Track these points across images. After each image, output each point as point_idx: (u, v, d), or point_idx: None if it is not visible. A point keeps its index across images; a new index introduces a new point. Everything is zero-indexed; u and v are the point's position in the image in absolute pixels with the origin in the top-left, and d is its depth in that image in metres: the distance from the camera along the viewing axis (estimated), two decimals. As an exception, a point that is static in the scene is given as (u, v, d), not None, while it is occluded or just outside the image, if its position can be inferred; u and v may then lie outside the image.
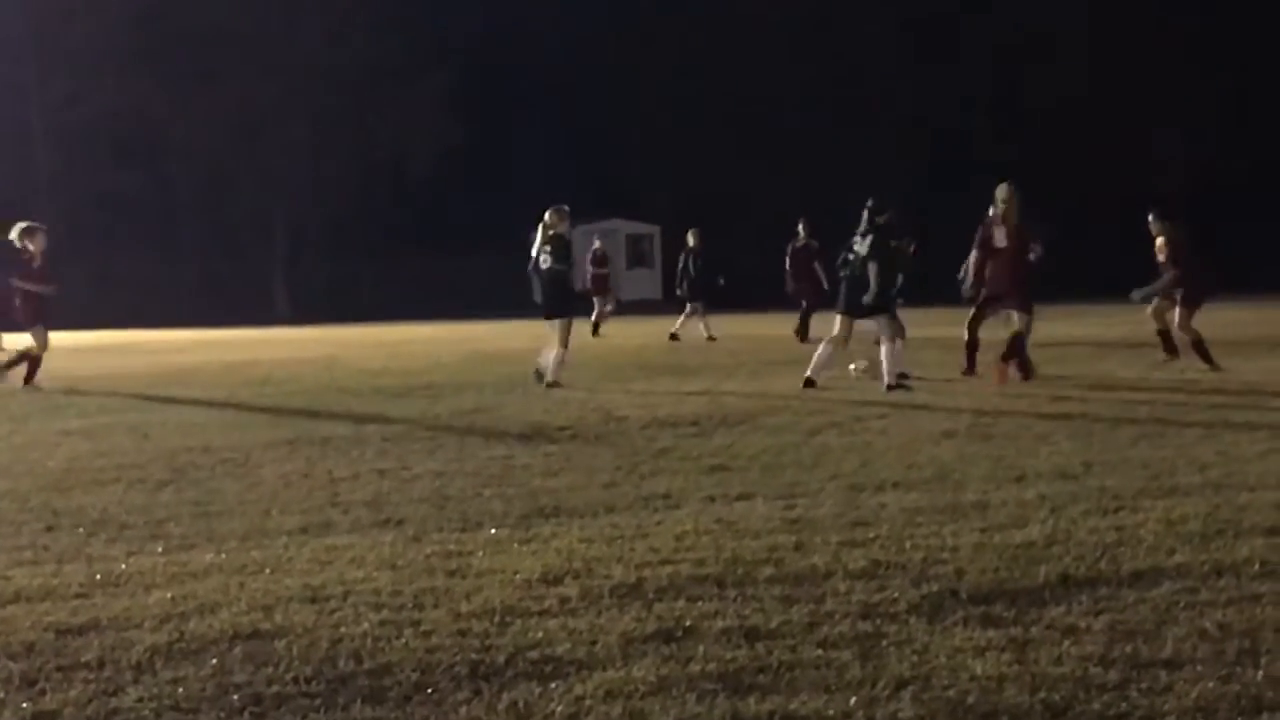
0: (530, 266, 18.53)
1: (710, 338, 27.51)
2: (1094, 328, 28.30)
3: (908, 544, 7.54)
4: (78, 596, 6.72)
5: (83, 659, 5.70)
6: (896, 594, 6.48)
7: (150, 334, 37.72)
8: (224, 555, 7.62)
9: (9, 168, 52.88)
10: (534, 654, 5.67)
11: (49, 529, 8.48)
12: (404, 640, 5.86)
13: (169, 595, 6.64)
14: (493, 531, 8.17)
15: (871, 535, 7.81)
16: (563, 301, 18.53)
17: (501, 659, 5.60)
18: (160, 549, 7.84)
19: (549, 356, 18.02)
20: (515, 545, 7.76)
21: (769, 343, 25.73)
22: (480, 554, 7.51)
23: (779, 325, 28.67)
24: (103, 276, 51.64)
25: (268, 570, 7.21)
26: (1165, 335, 19.13)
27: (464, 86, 57.69)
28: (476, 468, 10.73)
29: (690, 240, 29.57)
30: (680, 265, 29.80)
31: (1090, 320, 30.71)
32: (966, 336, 17.84)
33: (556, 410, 14.64)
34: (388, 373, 20.90)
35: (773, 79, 59.47)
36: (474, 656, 5.63)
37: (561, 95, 60.91)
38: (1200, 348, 18.27)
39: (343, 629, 6.03)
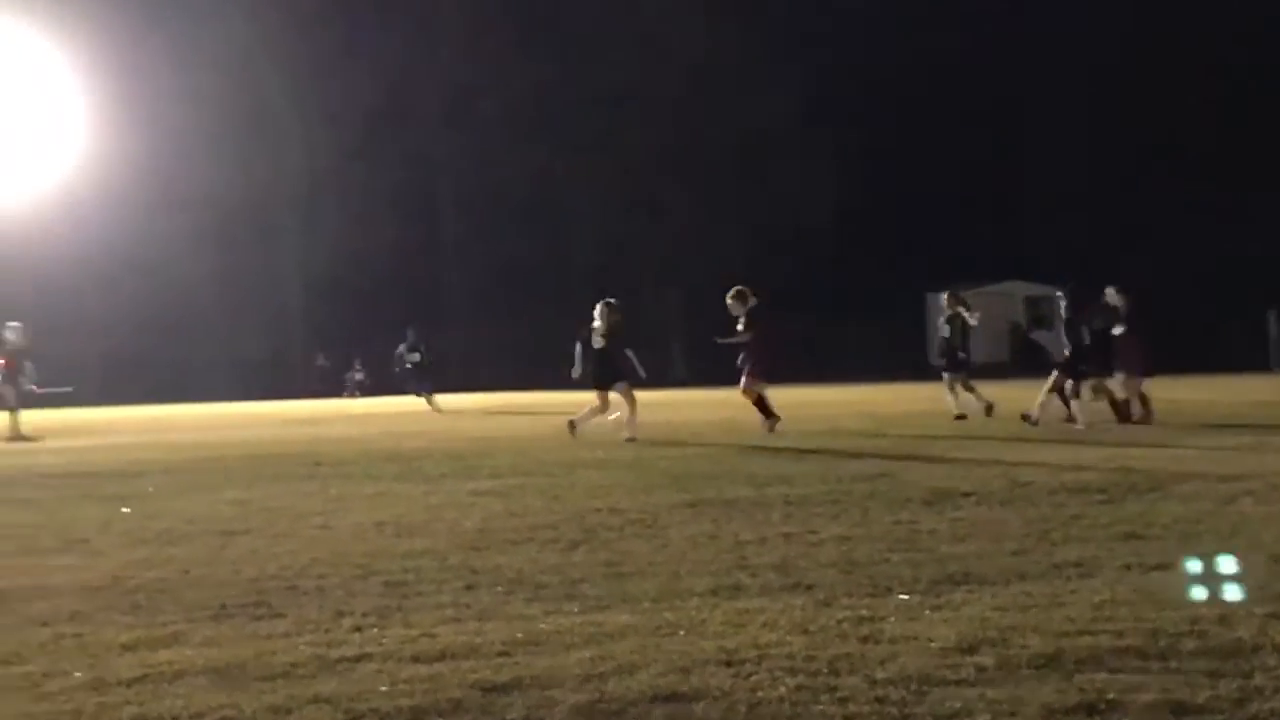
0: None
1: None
2: None
3: (1339, 619, 7.12)
4: (500, 655, 6.89)
5: (508, 717, 5.83)
6: (1330, 670, 6.12)
7: (552, 395, 38.82)
8: (638, 616, 7.72)
9: (419, 237, 55.45)
10: (953, 723, 5.55)
11: (469, 588, 8.74)
12: (821, 706, 5.81)
13: (588, 655, 6.75)
14: (903, 597, 8.06)
15: (1299, 609, 7.41)
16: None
17: (921, 728, 5.50)
18: (576, 609, 7.98)
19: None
20: (926, 612, 7.63)
21: (1187, 406, 24.91)
22: (892, 620, 7.41)
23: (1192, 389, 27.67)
24: (502, 340, 53.48)
25: (682, 632, 7.27)
26: None
27: (856, 146, 57.78)
28: (882, 532, 10.63)
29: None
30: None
31: None
32: None
33: (960, 475, 14.43)
34: (786, 434, 21.01)
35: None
36: (893, 725, 5.55)
37: (957, 155, 60.42)
38: None
39: (760, 693, 6.02)
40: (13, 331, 27.90)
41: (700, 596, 8.23)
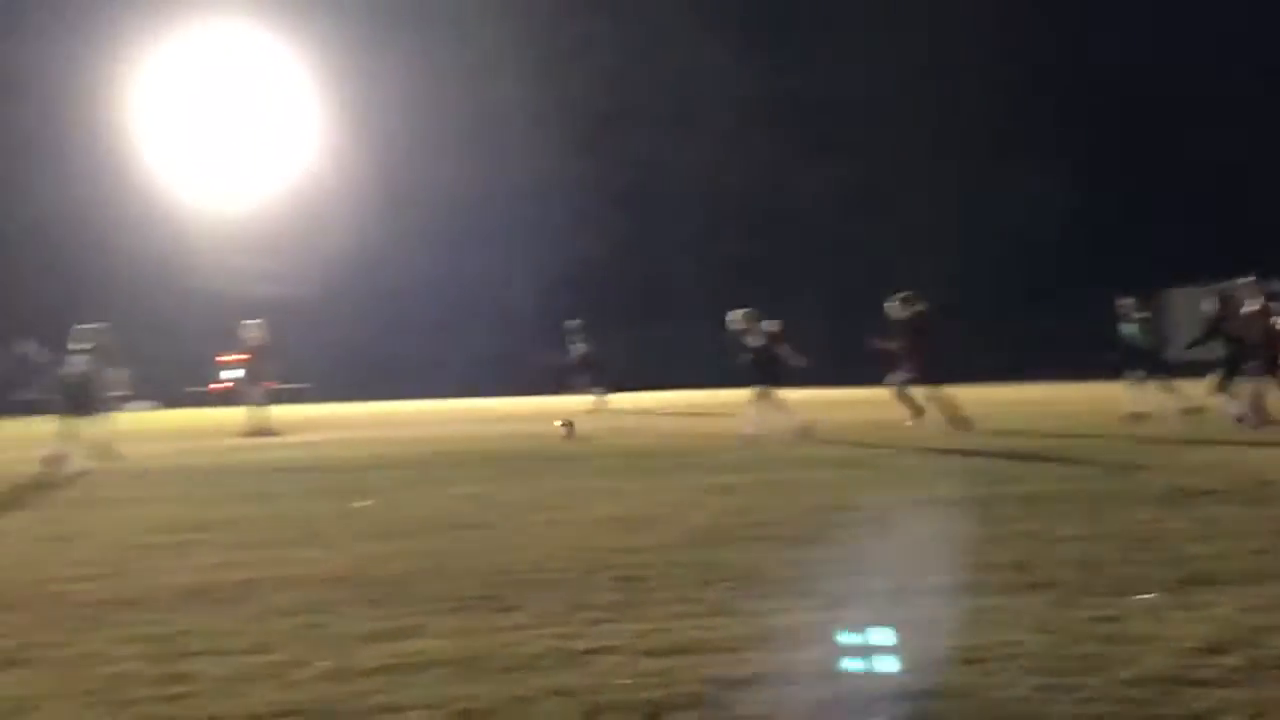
0: None
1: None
2: None
3: None
4: (735, 650, 6.88)
5: (747, 712, 5.83)
6: None
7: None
8: (873, 613, 7.63)
9: (653, 234, 55.85)
10: (1202, 726, 5.41)
11: (703, 583, 8.75)
12: (1064, 706, 5.71)
13: (824, 651, 6.72)
14: (1146, 597, 7.87)
15: None
16: None
17: (1170, 730, 5.38)
18: (811, 605, 7.95)
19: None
20: (1171, 612, 7.44)
21: None
22: (1135, 620, 7.25)
23: None
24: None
25: (920, 629, 7.19)
26: None
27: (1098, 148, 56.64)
28: (1121, 531, 10.39)
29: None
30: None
31: None
32: None
33: (1199, 473, 14.07)
34: (1028, 433, 20.77)
35: None
36: (1141, 726, 5.44)
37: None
38: None
39: (1000, 692, 5.93)
40: (254, 329, 28.68)
41: (937, 594, 8.14)
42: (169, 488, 16.78)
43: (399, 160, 52.11)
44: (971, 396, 25.24)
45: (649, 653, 6.83)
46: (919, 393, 23.06)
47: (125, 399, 51.22)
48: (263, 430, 27.20)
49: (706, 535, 10.86)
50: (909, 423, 22.84)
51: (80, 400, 22.01)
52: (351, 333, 51.92)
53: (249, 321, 28.81)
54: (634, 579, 8.92)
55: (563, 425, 23.61)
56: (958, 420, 22.26)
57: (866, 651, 6.48)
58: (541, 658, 6.78)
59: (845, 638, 6.65)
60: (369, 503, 13.82)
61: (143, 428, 29.61)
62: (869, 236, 57.81)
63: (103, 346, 22.97)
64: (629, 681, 6.28)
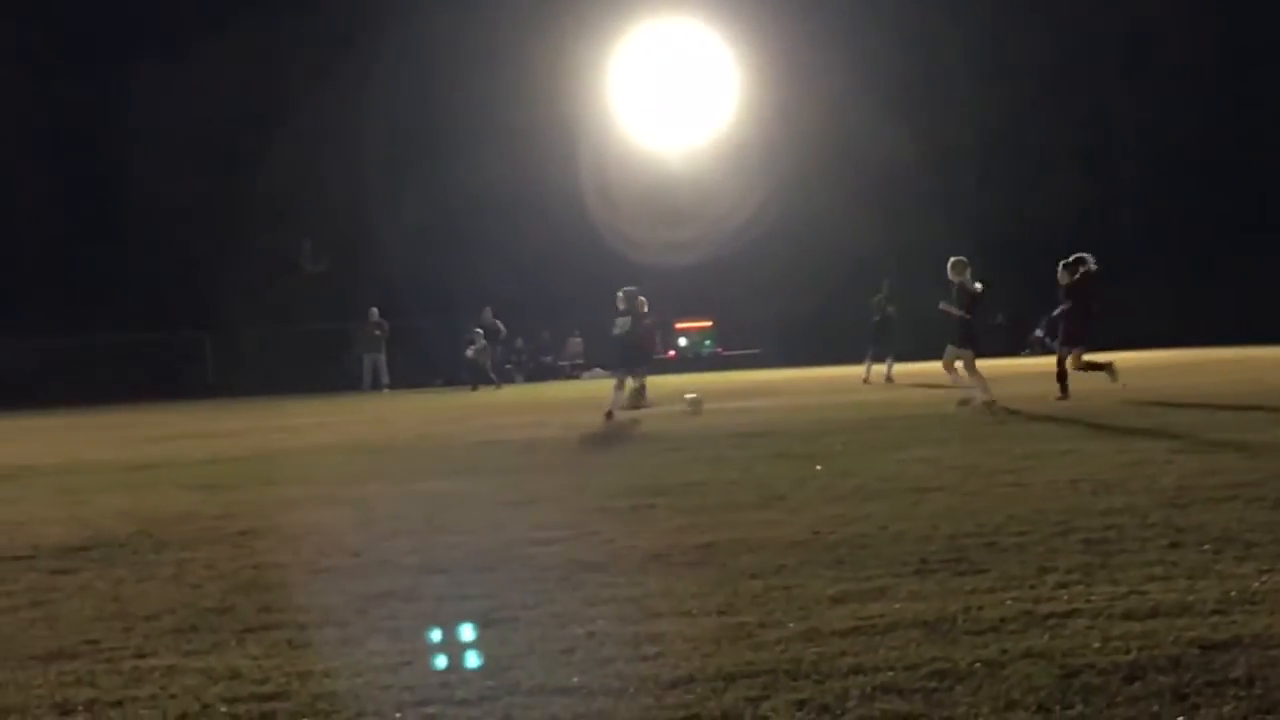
0: None
1: None
2: None
3: None
4: (1215, 613, 6.67)
5: (1230, 675, 5.65)
6: None
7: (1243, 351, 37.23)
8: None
9: (1095, 193, 54.39)
10: None
11: (1173, 545, 8.49)
12: None
13: (1309, 614, 6.46)
14: None
15: None
16: None
17: None
18: (1291, 568, 7.64)
19: None
20: None
21: None
22: None
23: None
24: (1185, 294, 51.56)
25: None
26: None
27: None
28: None
29: None
30: None
31: None
32: None
33: None
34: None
35: None
36: None
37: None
38: None
39: None
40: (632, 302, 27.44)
41: None
42: (619, 454, 17.25)
43: (839, 125, 51.97)
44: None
45: (1124, 616, 6.69)
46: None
47: (583, 368, 53.16)
48: (637, 404, 26.37)
49: (1175, 496, 10.54)
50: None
51: (632, 357, 23.67)
52: (796, 299, 52.15)
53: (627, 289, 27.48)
54: (1102, 541, 8.74)
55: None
56: None
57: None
58: (1010, 620, 6.71)
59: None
60: (819, 468, 13.88)
61: (597, 394, 30.49)
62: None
63: (633, 309, 24.54)
64: (1101, 644, 6.16)
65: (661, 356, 46.67)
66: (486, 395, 39.22)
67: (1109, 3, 55.97)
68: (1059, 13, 55.31)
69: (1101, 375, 23.16)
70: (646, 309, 26.58)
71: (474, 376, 44.17)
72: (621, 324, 24.41)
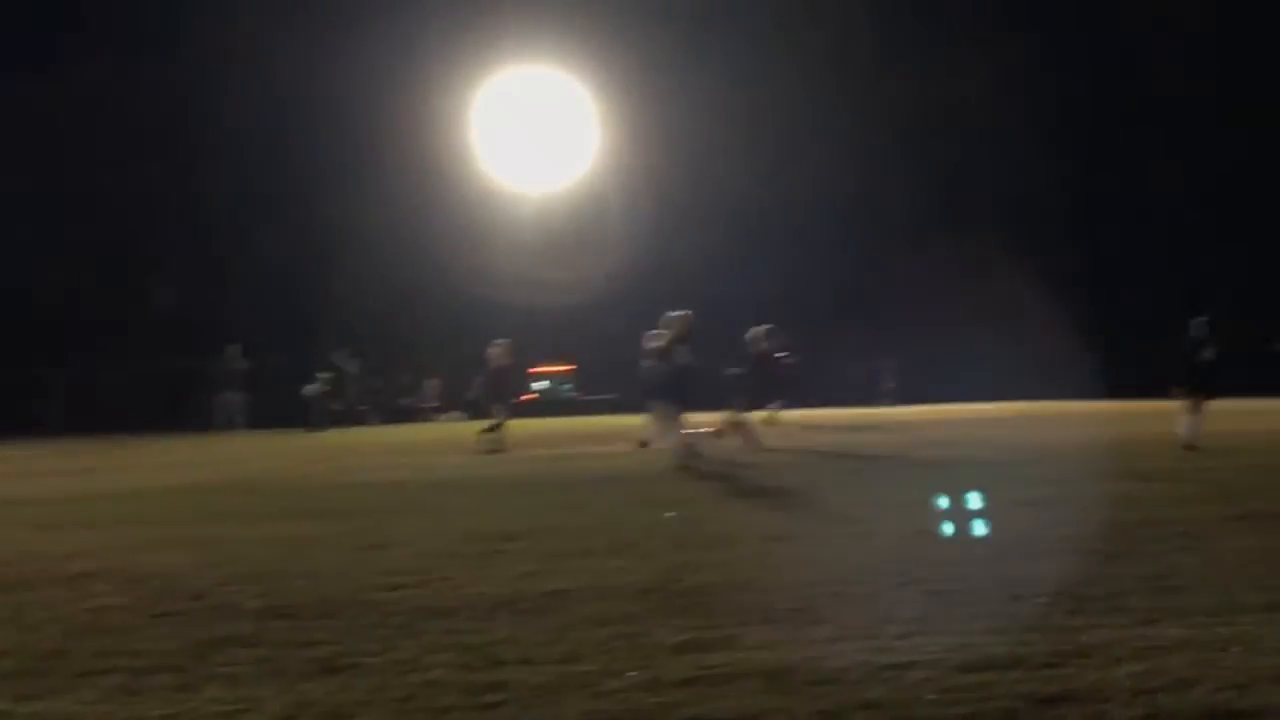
0: None
1: None
2: None
3: None
4: (1048, 666, 6.82)
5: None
6: None
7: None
8: (1189, 630, 7.49)
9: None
10: None
11: (1012, 598, 8.65)
12: None
13: (1139, 669, 6.61)
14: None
15: None
16: None
17: None
18: (1123, 621, 7.81)
19: None
20: None
21: None
22: None
23: None
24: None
25: (1236, 648, 7.02)
26: None
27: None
28: None
29: None
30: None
31: None
32: None
33: None
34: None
35: None
36: None
37: None
38: None
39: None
40: (499, 349, 27.89)
41: (1255, 612, 7.92)
42: (474, 498, 17.19)
43: (699, 170, 52.31)
44: None
45: (960, 668, 6.82)
46: None
47: (438, 410, 52.85)
48: (496, 448, 26.45)
49: (1015, 549, 10.71)
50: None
51: (679, 390, 21.81)
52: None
53: (498, 341, 28.01)
54: (942, 593, 8.88)
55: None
56: None
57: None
58: (849, 671, 6.82)
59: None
60: (671, 515, 13.93)
61: (454, 436, 30.34)
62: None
63: (679, 334, 22.20)
64: (938, 696, 6.28)
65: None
66: (339, 436, 38.80)
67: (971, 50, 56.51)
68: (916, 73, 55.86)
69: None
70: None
71: (313, 416, 43.80)
72: (681, 352, 21.90)
